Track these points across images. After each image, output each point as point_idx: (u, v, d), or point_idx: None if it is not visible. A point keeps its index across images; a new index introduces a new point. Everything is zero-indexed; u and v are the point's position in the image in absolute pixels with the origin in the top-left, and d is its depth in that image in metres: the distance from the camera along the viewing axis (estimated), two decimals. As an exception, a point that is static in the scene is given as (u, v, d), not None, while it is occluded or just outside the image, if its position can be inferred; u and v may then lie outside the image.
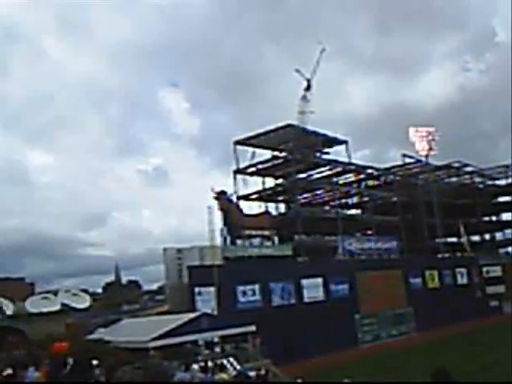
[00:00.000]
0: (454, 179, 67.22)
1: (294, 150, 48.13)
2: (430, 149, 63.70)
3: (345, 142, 53.84)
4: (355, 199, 59.78)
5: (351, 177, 56.00)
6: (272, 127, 46.89)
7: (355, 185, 57.09)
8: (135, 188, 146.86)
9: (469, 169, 65.48)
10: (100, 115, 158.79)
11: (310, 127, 51.31)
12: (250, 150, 50.94)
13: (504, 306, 53.42)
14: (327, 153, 54.17)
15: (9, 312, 28.94)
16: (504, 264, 57.16)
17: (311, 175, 53.84)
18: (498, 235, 71.77)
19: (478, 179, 67.98)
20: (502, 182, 70.62)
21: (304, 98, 56.96)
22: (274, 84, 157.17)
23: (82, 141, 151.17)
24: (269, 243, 39.91)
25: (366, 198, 56.69)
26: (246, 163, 49.61)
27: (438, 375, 4.18)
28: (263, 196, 52.39)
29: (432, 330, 39.99)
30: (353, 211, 61.02)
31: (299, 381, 17.68)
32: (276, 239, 40.79)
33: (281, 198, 55.27)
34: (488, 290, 53.32)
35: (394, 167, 60.82)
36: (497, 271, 55.29)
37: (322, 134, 50.69)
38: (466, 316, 44.87)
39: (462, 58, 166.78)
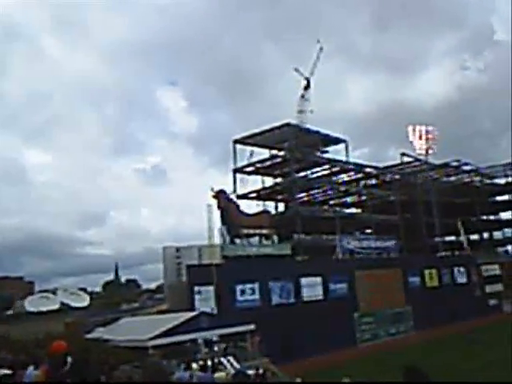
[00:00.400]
0: (452, 178, 67.28)
1: (293, 148, 48.11)
2: (429, 147, 63.87)
3: (344, 141, 53.90)
4: (354, 198, 59.82)
5: (350, 176, 56.03)
6: (271, 126, 46.91)
7: (354, 184, 57.12)
8: (133, 187, 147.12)
9: (467, 167, 65.54)
10: (97, 114, 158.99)
11: (308, 126, 51.40)
12: (249, 148, 51.08)
13: (503, 305, 53.49)
14: (326, 152, 54.25)
15: None
16: (502, 263, 57.25)
17: (310, 174, 53.88)
18: (497, 234, 71.86)
19: (476, 178, 68.02)
20: (501, 181, 70.75)
21: (303, 97, 57.11)
22: (273, 82, 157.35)
23: (79, 140, 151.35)
24: (268, 242, 39.90)
25: (364, 197, 56.70)
26: (245, 162, 49.71)
27: (410, 375, 4.07)
28: (262, 195, 52.41)
29: (431, 329, 40.02)
30: (352, 210, 61.10)
31: (298, 380, 17.68)
32: (275, 238, 40.76)
33: (280, 197, 55.27)
34: (487, 288, 53.37)
35: (392, 166, 60.85)
36: (495, 270, 55.38)
37: (320, 132, 50.71)
38: (465, 315, 44.90)
39: (460, 56, 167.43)
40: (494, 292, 53.65)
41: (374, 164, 56.89)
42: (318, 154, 52.58)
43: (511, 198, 71.00)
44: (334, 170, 53.05)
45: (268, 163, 50.19)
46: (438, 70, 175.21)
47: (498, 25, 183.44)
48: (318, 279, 37.48)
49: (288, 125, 47.04)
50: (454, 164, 64.11)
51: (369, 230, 53.73)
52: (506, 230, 71.47)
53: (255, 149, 51.24)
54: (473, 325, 42.06)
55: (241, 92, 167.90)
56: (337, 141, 53.74)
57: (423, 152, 63.88)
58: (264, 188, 52.40)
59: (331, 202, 58.62)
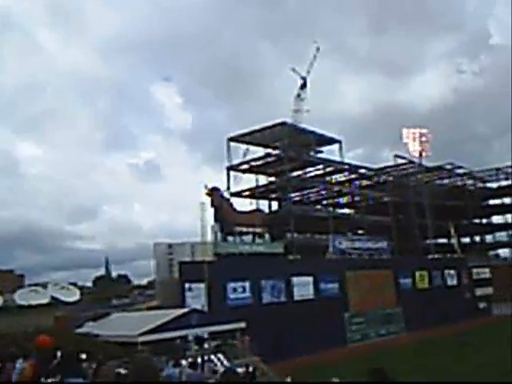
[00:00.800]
0: (445, 181, 67.59)
1: (288, 148, 48.17)
2: (423, 150, 64.03)
3: (338, 142, 54.02)
4: (347, 198, 59.95)
5: (344, 176, 56.14)
6: (266, 125, 46.93)
7: (347, 184, 57.23)
8: (126, 182, 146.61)
9: (460, 171, 65.86)
10: (91, 108, 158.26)
11: (304, 125, 51.44)
12: (244, 146, 51.08)
13: (493, 308, 53.80)
14: (320, 151, 54.36)
15: None
16: (493, 266, 57.58)
17: (304, 174, 53.92)
18: (488, 237, 72.32)
19: (469, 181, 68.39)
20: (494, 185, 71.15)
21: (299, 96, 57.16)
22: (269, 81, 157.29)
23: (73, 133, 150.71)
24: (260, 241, 39.87)
25: (357, 198, 56.82)
26: (239, 160, 49.69)
27: (375, 374, 4.38)
28: (255, 193, 52.40)
29: (421, 331, 40.20)
30: (345, 210, 61.24)
31: (288, 379, 17.70)
32: (267, 237, 40.75)
33: (273, 196, 55.34)
34: (477, 291, 53.66)
35: (386, 167, 61.05)
36: (486, 273, 55.69)
37: (315, 132, 50.80)
38: (455, 317, 45.13)
39: (456, 59, 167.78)
40: (483, 295, 53.96)
41: (367, 165, 57.12)
42: (313, 153, 52.67)
43: (503, 202, 71.40)
44: (328, 170, 53.17)
45: (262, 162, 50.22)
46: (434, 72, 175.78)
47: (495, 29, 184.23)
48: (310, 279, 37.52)
49: (283, 124, 47.09)
50: (448, 167, 64.41)
51: (361, 231, 53.85)
52: (498, 233, 71.95)
53: (250, 147, 51.28)
54: (462, 327, 42.25)
55: (236, 90, 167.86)
56: (331, 141, 53.88)
57: (417, 154, 64.04)
58: (258, 186, 52.43)
59: (324, 202, 58.75)
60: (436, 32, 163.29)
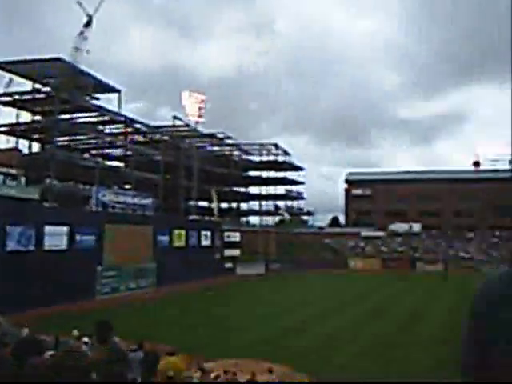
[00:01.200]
0: (215, 148, 71.92)
1: (61, 87, 44.55)
2: (200, 116, 66.94)
3: (118, 91, 52.24)
4: (119, 152, 58.75)
5: (119, 128, 54.62)
6: (39, 57, 42.50)
7: (121, 137, 55.97)
8: None
9: (230, 141, 70.77)
10: None
11: (82, 67, 48.20)
12: (8, 76, 45.53)
13: (237, 268, 60.14)
14: (97, 98, 51.84)
15: None
16: (243, 231, 64.15)
17: (76, 118, 50.68)
18: (243, 205, 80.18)
19: (236, 152, 74.09)
20: (256, 159, 78.64)
21: (81, 34, 53.24)
22: (52, 11, 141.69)
23: None
24: (13, 183, 36.28)
25: (130, 152, 56.20)
26: (1, 90, 44.12)
27: (100, 326, 5.40)
28: (15, 131, 47.26)
29: (172, 286, 42.62)
30: (114, 163, 59.95)
31: (25, 329, 16.80)
32: (22, 180, 37.33)
33: (36, 137, 50.78)
34: (225, 252, 59.17)
35: (163, 127, 61.70)
36: (236, 237, 61.67)
37: (94, 77, 48.11)
38: (205, 275, 49.17)
39: (245, 36, 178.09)
40: (231, 256, 59.81)
41: (145, 121, 56.70)
42: (88, 98, 49.84)
43: (261, 175, 79.66)
44: (103, 119, 51.04)
45: (28, 97, 45.49)
46: (223, 43, 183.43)
47: (280, 16, 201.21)
48: (65, 229, 35.86)
49: (59, 60, 43.33)
50: (220, 136, 68.44)
51: (129, 186, 53.64)
52: (252, 202, 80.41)
53: (16, 78, 45.88)
54: (209, 283, 46.50)
55: (10, 13, 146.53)
56: (110, 89, 51.80)
57: (194, 119, 66.66)
58: (19, 123, 47.35)
59: (94, 152, 56.55)
60: (231, 4, 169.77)
